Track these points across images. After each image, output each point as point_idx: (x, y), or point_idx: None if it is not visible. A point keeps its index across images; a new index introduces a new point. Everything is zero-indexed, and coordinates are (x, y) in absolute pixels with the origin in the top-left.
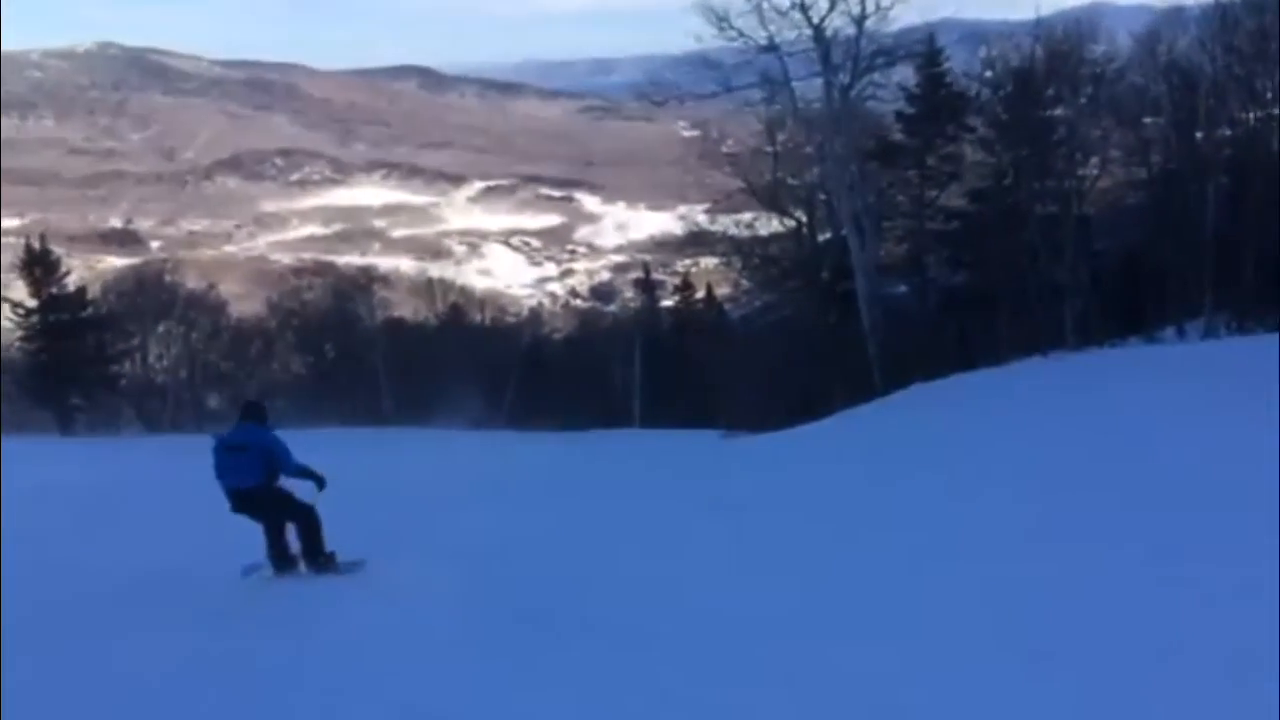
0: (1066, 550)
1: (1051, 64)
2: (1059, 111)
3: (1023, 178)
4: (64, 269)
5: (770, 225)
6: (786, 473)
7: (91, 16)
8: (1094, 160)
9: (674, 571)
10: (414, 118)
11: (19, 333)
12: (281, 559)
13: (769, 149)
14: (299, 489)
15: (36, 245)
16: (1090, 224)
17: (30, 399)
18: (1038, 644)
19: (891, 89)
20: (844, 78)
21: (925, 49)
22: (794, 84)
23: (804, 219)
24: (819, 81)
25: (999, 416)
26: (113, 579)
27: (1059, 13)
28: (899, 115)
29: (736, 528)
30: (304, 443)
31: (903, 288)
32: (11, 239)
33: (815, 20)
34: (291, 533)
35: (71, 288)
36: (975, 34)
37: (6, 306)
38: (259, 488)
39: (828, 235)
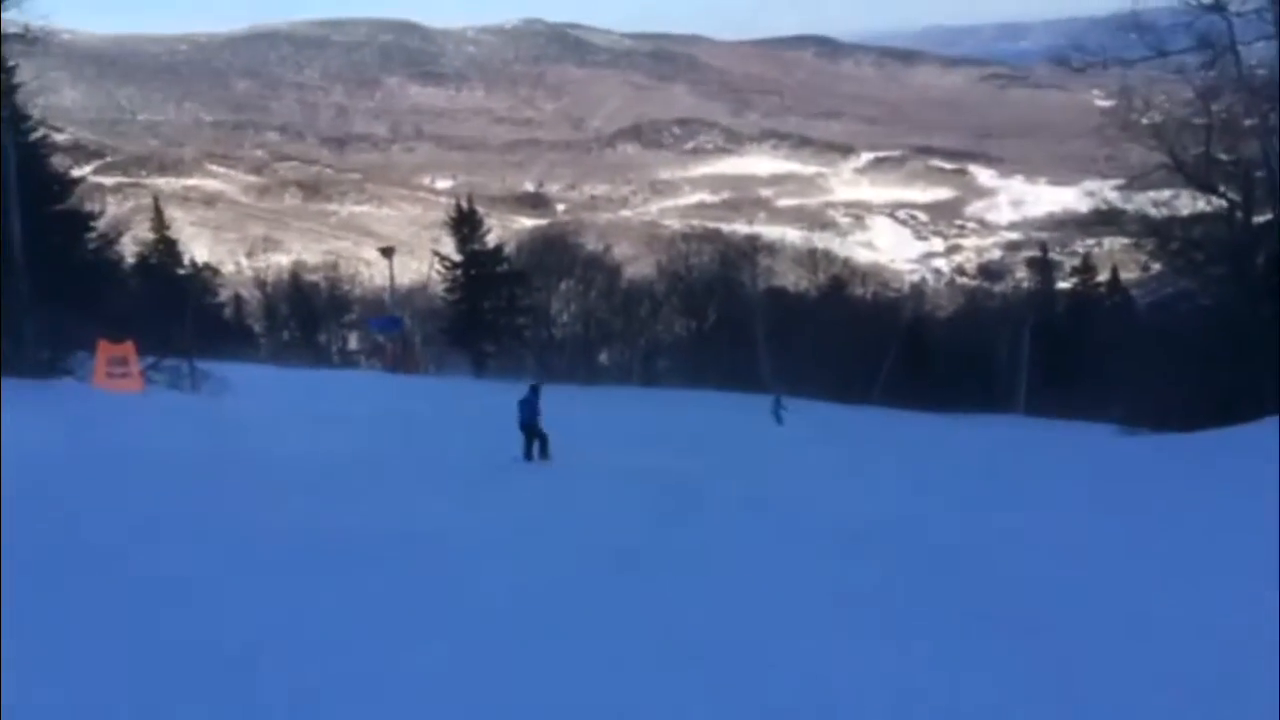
0: None
1: None
2: None
3: None
4: (485, 228)
5: (1195, 205)
6: (1206, 477)
7: None
8: None
9: (1066, 571)
10: (807, 87)
11: (444, 284)
12: (527, 456)
13: (1201, 120)
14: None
15: (464, 206)
16: None
17: (449, 343)
18: None
19: None
20: None
21: None
22: (1239, 48)
23: (1238, 199)
24: (1266, 44)
25: None
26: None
27: None
28: None
29: (1142, 532)
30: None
31: None
32: (443, 199)
33: None
34: (535, 446)
35: (490, 245)
36: None
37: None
38: (531, 423)
39: (1266, 218)
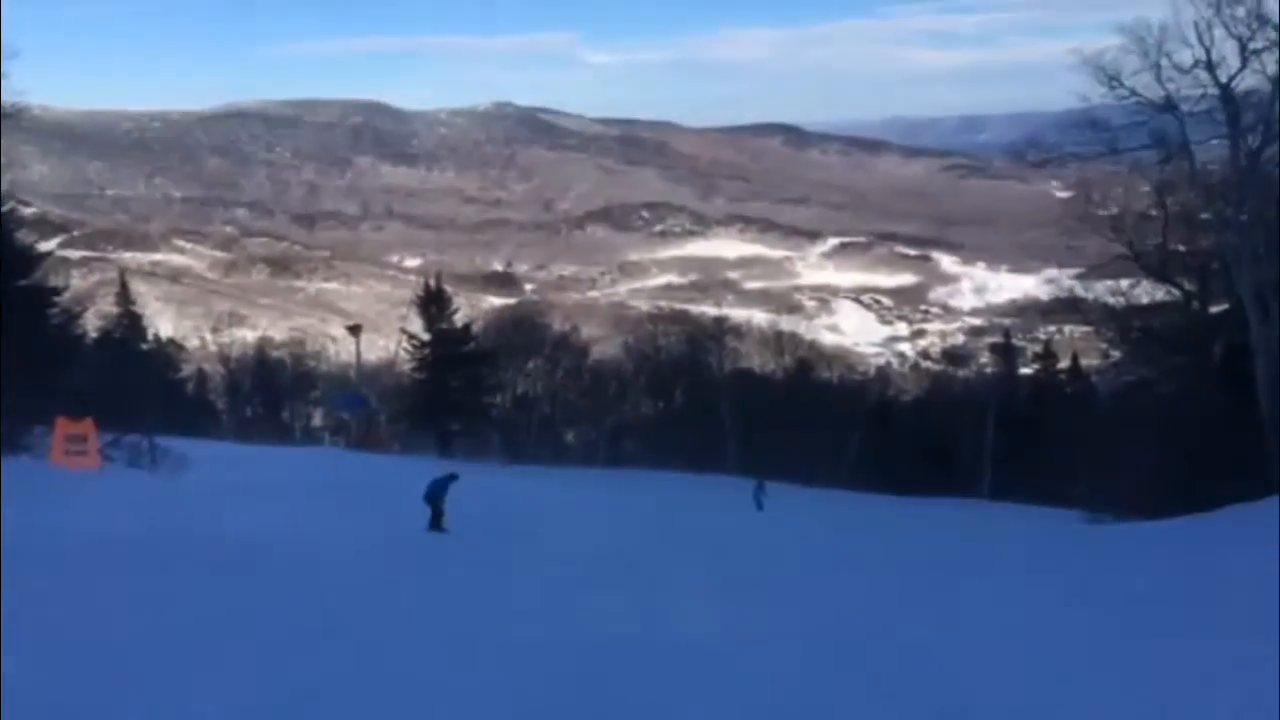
0: None
1: None
2: None
3: None
4: (453, 307)
5: (1153, 295)
6: (1166, 565)
7: (493, 78)
8: None
9: (1019, 665)
10: (775, 174)
11: (411, 362)
12: (432, 526)
13: (1157, 213)
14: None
15: (433, 284)
16: None
17: (416, 423)
18: None
19: None
20: (1253, 140)
21: None
22: (1193, 146)
23: (1193, 290)
24: (1219, 143)
25: None
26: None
27: None
28: None
29: (1105, 623)
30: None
31: None
32: (412, 277)
33: (1223, 79)
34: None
35: (458, 324)
36: None
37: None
38: (437, 498)
39: (1222, 309)
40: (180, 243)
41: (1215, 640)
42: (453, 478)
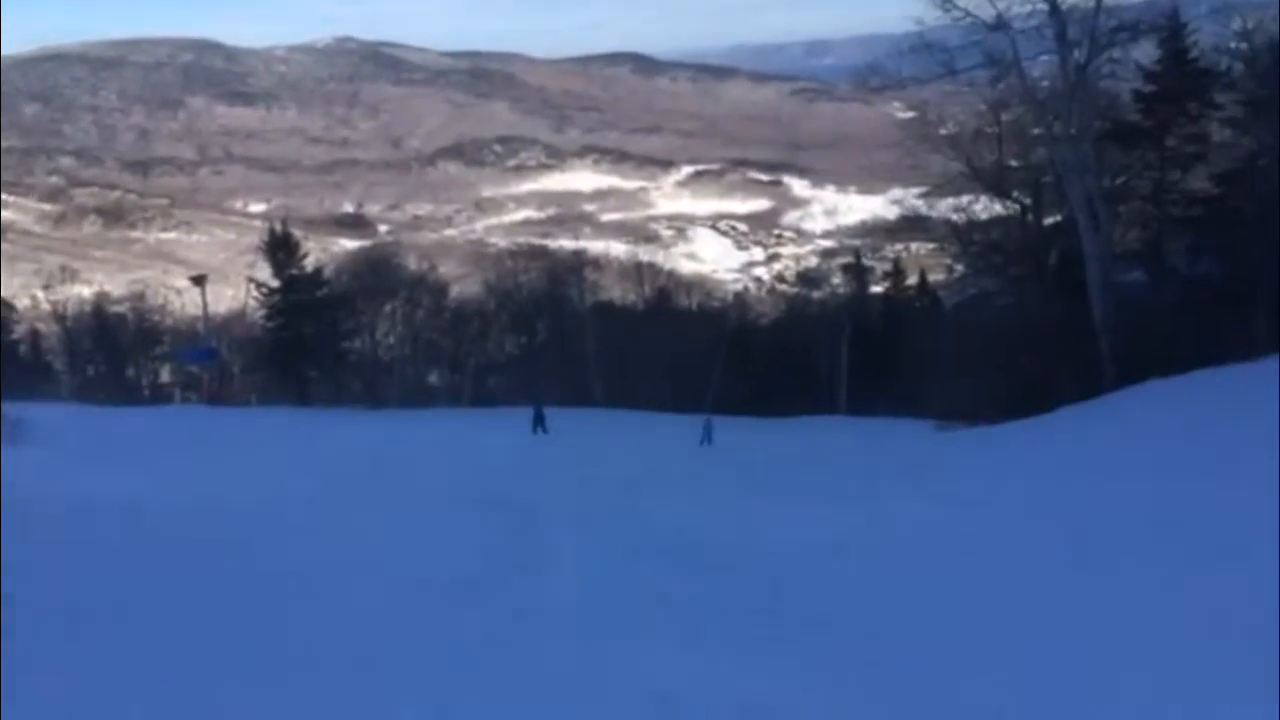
0: None
1: None
2: None
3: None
4: (303, 251)
5: (991, 209)
6: (1012, 467)
7: (333, 12)
8: None
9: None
10: (626, 103)
11: (262, 311)
12: (533, 431)
13: (992, 130)
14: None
15: (279, 229)
16: None
17: (271, 372)
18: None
19: (1130, 66)
20: (1079, 55)
21: (1169, 22)
22: (1024, 63)
23: (1029, 203)
24: (1048, 59)
25: (1248, 416)
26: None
27: None
28: (1137, 94)
29: (952, 521)
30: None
31: (1138, 275)
32: (257, 223)
33: None
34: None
35: (310, 269)
36: (1227, 6)
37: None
38: (539, 418)
39: (1056, 220)
40: (3, 196)
41: (1056, 530)
42: (544, 406)
